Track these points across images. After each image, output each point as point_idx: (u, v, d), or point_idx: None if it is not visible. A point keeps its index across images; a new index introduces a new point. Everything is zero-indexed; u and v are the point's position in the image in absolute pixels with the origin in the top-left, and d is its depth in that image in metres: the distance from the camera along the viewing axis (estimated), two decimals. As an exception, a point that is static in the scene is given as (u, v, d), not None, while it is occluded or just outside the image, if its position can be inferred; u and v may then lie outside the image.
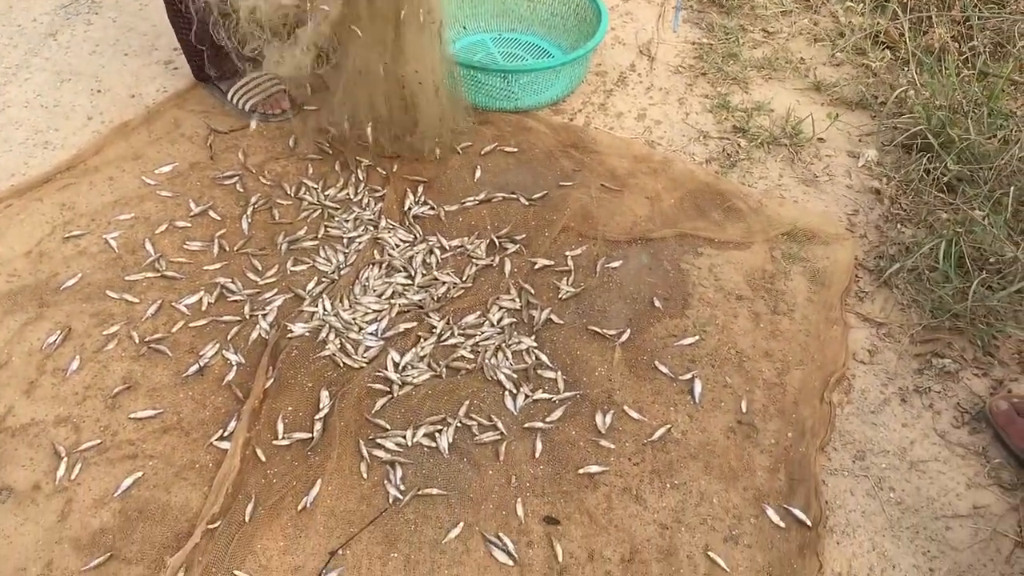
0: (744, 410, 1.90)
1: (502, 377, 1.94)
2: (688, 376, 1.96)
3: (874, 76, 2.84)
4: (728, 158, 2.56)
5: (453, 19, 2.87)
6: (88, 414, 1.86)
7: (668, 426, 1.86)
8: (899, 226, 2.33)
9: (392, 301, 2.10)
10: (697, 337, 2.04)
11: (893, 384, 1.98)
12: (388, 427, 1.85)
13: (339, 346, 2.00)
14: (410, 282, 2.15)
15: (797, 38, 3.08)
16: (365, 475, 1.77)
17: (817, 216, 2.36)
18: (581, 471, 1.78)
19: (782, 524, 1.71)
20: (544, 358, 1.99)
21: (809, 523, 1.71)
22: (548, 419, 1.87)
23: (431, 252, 2.22)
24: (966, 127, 2.41)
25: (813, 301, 2.13)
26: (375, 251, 2.22)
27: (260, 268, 2.19)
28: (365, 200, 2.37)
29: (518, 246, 2.24)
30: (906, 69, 2.80)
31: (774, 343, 2.04)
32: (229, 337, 2.02)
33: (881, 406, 1.94)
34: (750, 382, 1.96)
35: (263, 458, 1.79)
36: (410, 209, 2.34)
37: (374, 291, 2.12)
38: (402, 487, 1.74)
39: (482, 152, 2.53)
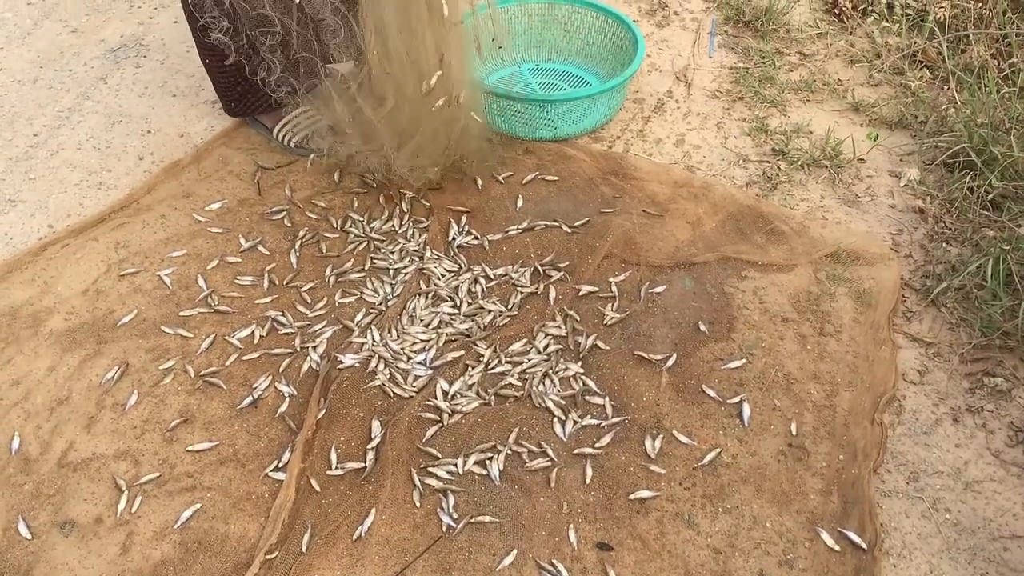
0: (794, 432, 1.90)
1: (550, 404, 1.96)
2: (736, 399, 1.96)
3: (913, 96, 2.84)
4: (768, 181, 2.56)
5: (490, 51, 2.90)
6: (147, 447, 1.90)
7: (718, 450, 1.86)
8: (944, 245, 2.32)
9: (439, 331, 2.12)
10: (744, 360, 2.04)
11: (944, 404, 1.97)
12: (439, 455, 1.87)
13: (388, 376, 2.02)
14: (456, 311, 2.18)
15: (833, 59, 3.09)
16: (418, 503, 1.78)
17: (861, 236, 2.35)
18: (632, 496, 1.79)
19: (837, 547, 1.70)
20: (591, 384, 2.00)
21: (864, 546, 1.69)
22: (597, 445, 1.88)
23: (476, 281, 2.25)
24: (1009, 144, 2.39)
25: (860, 322, 2.13)
26: (421, 281, 2.25)
27: (309, 301, 2.22)
28: (410, 231, 2.40)
29: (562, 273, 2.26)
30: (946, 88, 2.80)
31: (822, 365, 2.03)
32: (281, 369, 2.05)
33: (933, 426, 1.92)
34: (799, 404, 1.96)
35: (318, 488, 1.81)
36: (454, 239, 2.37)
37: (421, 321, 2.15)
38: (455, 515, 1.76)
39: (523, 181, 2.56)
